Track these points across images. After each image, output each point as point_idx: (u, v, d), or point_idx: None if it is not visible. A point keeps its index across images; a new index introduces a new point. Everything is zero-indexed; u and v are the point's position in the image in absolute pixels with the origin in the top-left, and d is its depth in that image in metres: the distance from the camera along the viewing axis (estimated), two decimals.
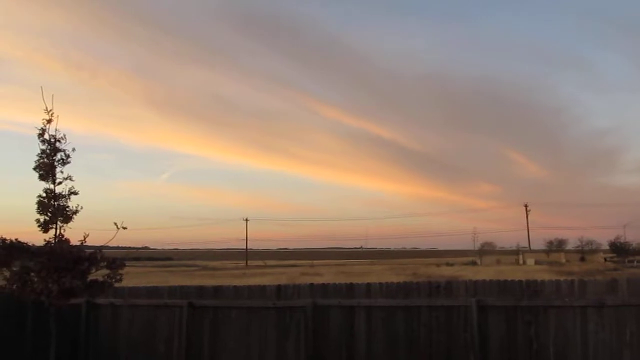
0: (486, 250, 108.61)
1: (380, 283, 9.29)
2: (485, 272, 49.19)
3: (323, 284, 9.81)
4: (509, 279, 8.45)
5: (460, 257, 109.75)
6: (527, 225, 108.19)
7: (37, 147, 8.62)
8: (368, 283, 9.37)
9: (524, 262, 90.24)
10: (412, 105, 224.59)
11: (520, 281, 8.30)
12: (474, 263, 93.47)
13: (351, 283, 9.52)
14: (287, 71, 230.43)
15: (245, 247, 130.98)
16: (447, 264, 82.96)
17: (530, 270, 54.70)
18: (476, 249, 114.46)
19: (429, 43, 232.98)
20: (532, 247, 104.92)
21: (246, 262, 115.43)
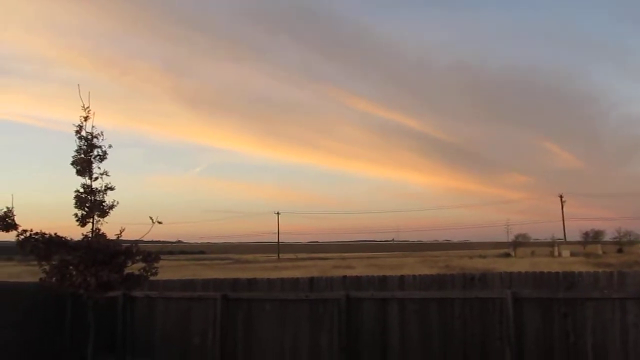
0: (520, 242, 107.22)
1: (413, 275, 9.23)
2: (519, 264, 48.54)
3: (356, 276, 9.80)
4: (545, 271, 8.31)
5: (493, 249, 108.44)
6: (563, 216, 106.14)
7: (74, 143, 8.81)
8: (401, 275, 9.33)
9: (560, 254, 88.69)
10: (443, 96, 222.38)
11: (557, 273, 8.16)
12: (507, 255, 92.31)
13: (384, 275, 9.49)
14: (316, 64, 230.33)
15: (276, 240, 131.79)
16: (480, 256, 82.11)
17: (566, 262, 53.77)
18: (509, 240, 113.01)
19: (459, 33, 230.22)
20: (567, 239, 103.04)
21: (278, 255, 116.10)
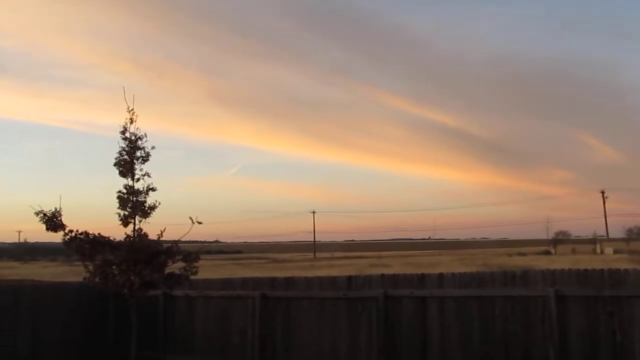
0: (560, 240, 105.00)
1: (452, 273, 9.14)
2: (560, 262, 47.55)
3: (394, 274, 9.76)
4: (589, 268, 8.12)
5: (532, 247, 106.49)
6: (605, 213, 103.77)
7: (117, 146, 9.01)
8: (440, 273, 9.24)
9: (602, 251, 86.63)
10: (478, 90, 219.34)
11: (602, 270, 7.96)
12: (547, 253, 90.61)
13: (423, 273, 9.41)
14: (350, 62, 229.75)
15: (312, 240, 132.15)
16: (519, 254, 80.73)
17: (610, 260, 52.48)
18: (549, 238, 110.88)
19: (494, 25, 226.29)
20: (609, 236, 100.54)
21: (314, 254, 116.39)
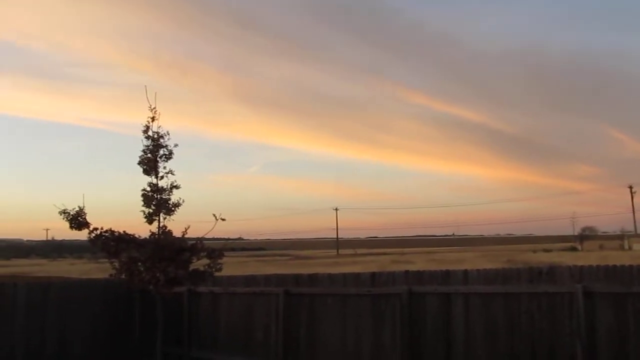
0: (587, 235, 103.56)
1: (477, 269, 9.05)
2: (587, 258, 46.87)
3: (418, 271, 9.70)
4: (618, 264, 7.98)
5: (557, 243, 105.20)
6: (633, 208, 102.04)
7: (141, 144, 9.10)
8: (465, 270, 9.16)
9: (630, 247, 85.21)
10: (501, 85, 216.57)
11: (630, 266, 7.81)
12: (573, 249, 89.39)
13: (447, 270, 9.35)
14: (371, 59, 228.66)
15: (335, 236, 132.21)
16: (544, 250, 79.80)
17: (638, 256, 51.56)
18: (575, 234, 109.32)
19: (517, 19, 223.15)
20: (638, 231, 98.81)
21: (337, 251, 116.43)
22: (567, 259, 46.18)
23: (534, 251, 76.12)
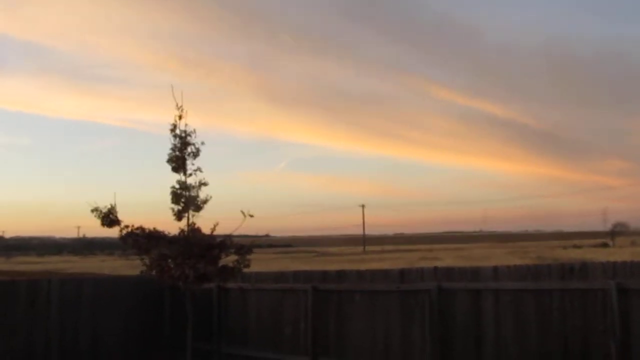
0: (619, 232, 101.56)
1: (508, 266, 8.95)
2: (619, 255, 45.95)
3: (447, 267, 9.63)
4: None
5: (588, 239, 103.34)
6: None
7: (169, 142, 9.19)
8: (495, 266, 9.06)
9: None
10: (529, 80, 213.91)
11: None
12: (605, 245, 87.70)
13: (477, 266, 9.27)
14: (397, 55, 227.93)
15: (362, 233, 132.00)
16: (575, 247, 78.49)
17: None
18: (607, 230, 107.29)
19: (544, 12, 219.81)
20: None
21: (364, 248, 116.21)
22: (599, 256, 45.39)
23: (564, 247, 75.00)
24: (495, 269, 8.92)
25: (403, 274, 9.84)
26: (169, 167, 9.26)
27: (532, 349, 8.32)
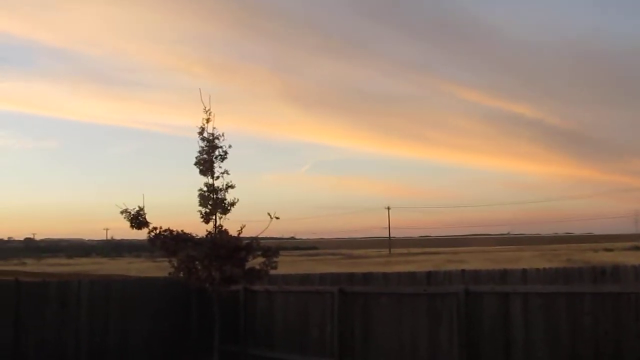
0: None
1: (537, 269, 8.83)
2: None
3: (475, 270, 9.54)
4: None
5: (619, 242, 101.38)
6: None
7: (197, 145, 9.27)
8: (524, 269, 8.94)
9: None
10: (556, 79, 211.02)
11: None
12: (637, 248, 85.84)
13: (505, 269, 9.16)
14: (421, 55, 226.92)
15: (387, 235, 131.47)
16: (606, 249, 77.02)
17: None
18: (639, 232, 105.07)
19: (571, 10, 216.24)
20: None
21: (389, 250, 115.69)
22: (631, 259, 44.44)
23: (595, 250, 73.63)
24: (524, 272, 8.80)
25: (430, 277, 9.77)
26: (195, 170, 9.35)
27: (563, 354, 8.17)
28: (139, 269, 50.47)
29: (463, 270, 9.57)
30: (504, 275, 8.95)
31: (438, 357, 9.30)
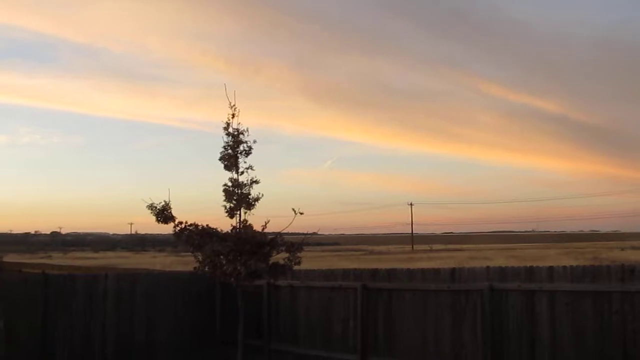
0: None
1: (564, 266, 8.72)
2: None
3: (500, 267, 9.45)
4: None
5: None
6: None
7: (219, 139, 9.32)
8: (550, 266, 8.84)
9: None
10: (583, 74, 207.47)
11: None
12: None
13: (531, 266, 9.06)
14: (446, 50, 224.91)
15: (410, 232, 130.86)
16: (633, 248, 75.65)
17: None
18: None
19: (597, 5, 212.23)
20: None
21: (412, 247, 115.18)
22: None
23: (622, 249, 72.37)
24: (551, 270, 8.70)
25: (454, 274, 9.72)
26: (220, 165, 9.38)
27: (590, 353, 8.08)
28: (163, 263, 51.03)
29: (488, 267, 9.50)
30: (529, 273, 8.87)
31: (462, 353, 9.25)
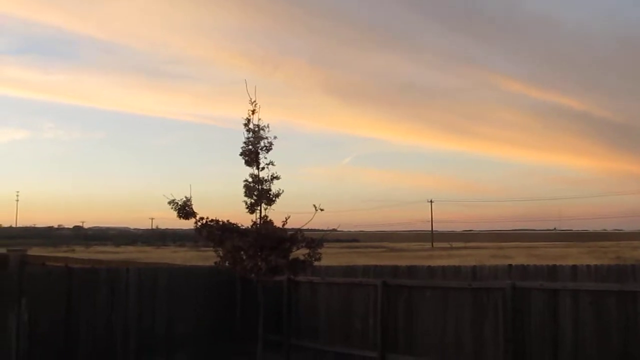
0: None
1: (588, 265, 8.61)
2: None
3: (522, 265, 9.37)
4: None
5: None
6: None
7: (240, 135, 9.36)
8: (574, 265, 8.74)
9: None
10: (606, 71, 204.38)
11: None
12: None
13: (554, 265, 8.97)
14: (466, 47, 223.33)
15: (429, 229, 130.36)
16: None
17: None
18: None
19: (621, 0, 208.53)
20: None
21: (432, 244, 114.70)
22: None
23: None
24: (574, 268, 8.61)
25: (475, 271, 9.66)
26: (240, 161, 9.43)
27: (614, 353, 7.97)
28: (183, 257, 51.43)
29: (510, 265, 9.42)
30: (552, 271, 8.78)
31: (483, 351, 9.19)
